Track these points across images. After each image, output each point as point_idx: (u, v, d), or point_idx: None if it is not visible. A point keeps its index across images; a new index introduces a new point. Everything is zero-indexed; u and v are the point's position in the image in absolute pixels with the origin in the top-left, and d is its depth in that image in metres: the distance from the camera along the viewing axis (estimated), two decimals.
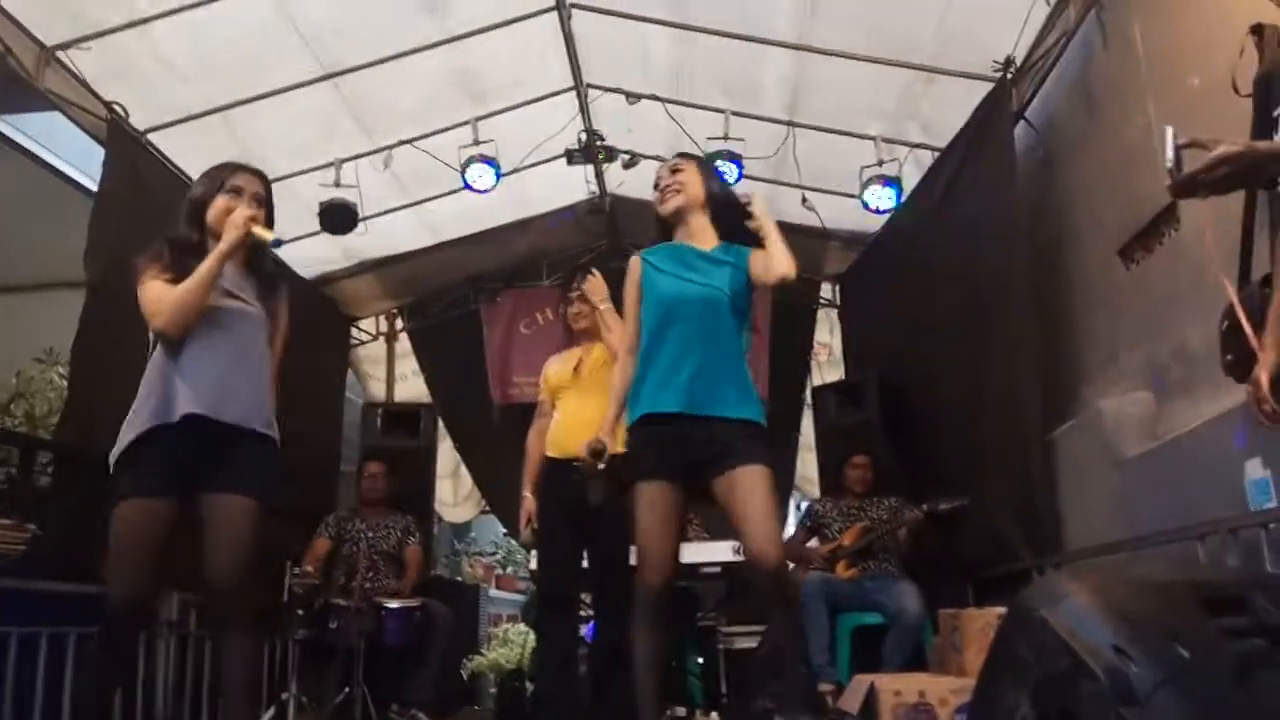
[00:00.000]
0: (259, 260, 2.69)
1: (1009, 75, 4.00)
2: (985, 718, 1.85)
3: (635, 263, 2.71)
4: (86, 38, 3.72)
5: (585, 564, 3.57)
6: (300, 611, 4.14)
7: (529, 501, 3.62)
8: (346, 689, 4.24)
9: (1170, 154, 1.63)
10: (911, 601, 4.20)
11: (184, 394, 2.48)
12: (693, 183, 2.66)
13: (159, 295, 2.48)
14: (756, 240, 2.61)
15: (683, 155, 2.82)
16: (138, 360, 3.74)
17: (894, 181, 4.64)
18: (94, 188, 4.33)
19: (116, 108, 3.98)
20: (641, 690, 2.45)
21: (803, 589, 4.38)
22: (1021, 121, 4.11)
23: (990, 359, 4.05)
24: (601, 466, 2.67)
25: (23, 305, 6.62)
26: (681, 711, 4.40)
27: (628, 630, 3.44)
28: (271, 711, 4.04)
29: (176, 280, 2.48)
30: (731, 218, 2.65)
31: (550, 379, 3.67)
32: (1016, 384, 3.82)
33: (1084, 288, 3.80)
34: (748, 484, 2.41)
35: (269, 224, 2.67)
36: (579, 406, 3.53)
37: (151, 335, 2.54)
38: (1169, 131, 1.63)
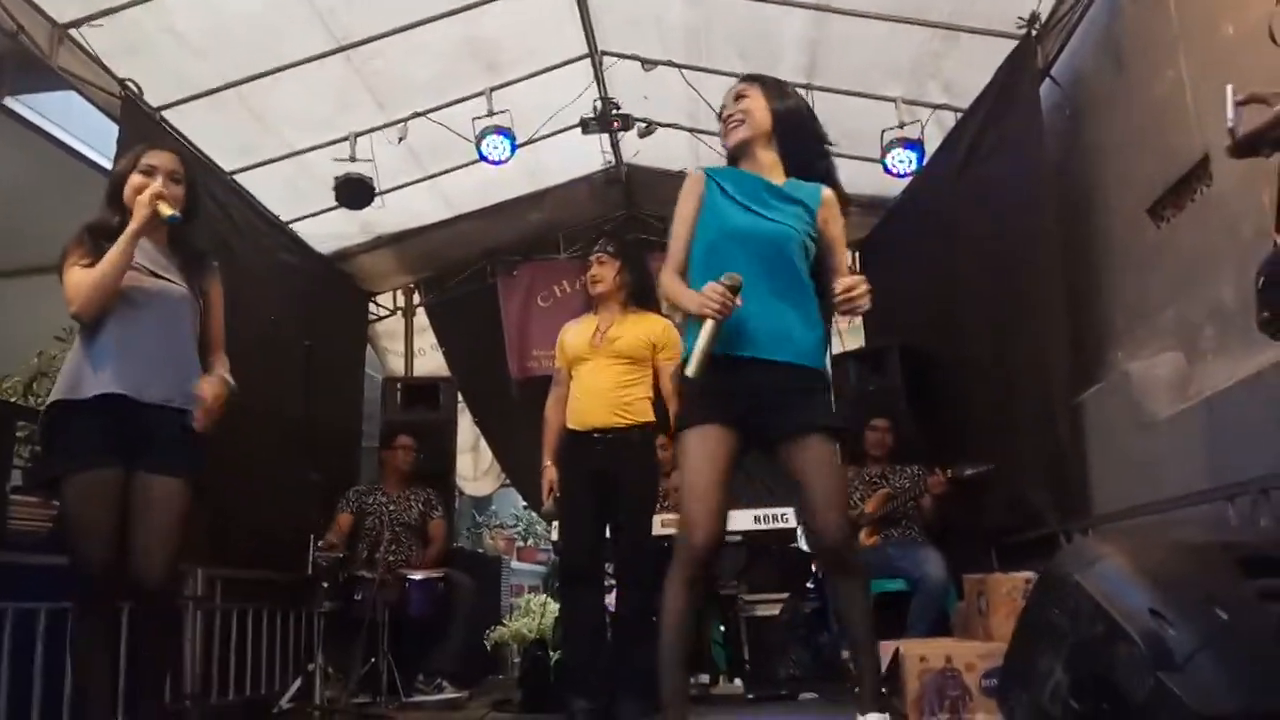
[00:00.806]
0: (183, 238, 2.70)
1: (1033, 32, 3.90)
2: (1017, 683, 1.83)
3: (697, 177, 2.46)
4: (98, 14, 3.69)
5: (607, 534, 3.58)
6: (325, 584, 4.17)
7: (550, 471, 3.60)
8: (372, 659, 4.29)
9: (1230, 112, 1.56)
10: (935, 568, 4.18)
11: (104, 373, 2.48)
12: (758, 109, 2.43)
13: (76, 281, 2.50)
14: (826, 175, 2.45)
15: (749, 78, 2.53)
16: None
17: (916, 144, 4.56)
18: (107, 165, 4.33)
19: (130, 84, 3.95)
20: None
21: None
22: (1047, 79, 4.02)
23: (1016, 322, 3.99)
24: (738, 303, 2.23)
25: (42, 286, 6.63)
26: (705, 679, 4.41)
27: (652, 600, 3.46)
28: (299, 682, 4.09)
29: (95, 264, 2.50)
30: (802, 144, 2.45)
31: (567, 347, 3.64)
32: (1043, 347, 3.77)
33: (1112, 248, 3.73)
34: (817, 454, 2.24)
35: (192, 201, 2.70)
36: (596, 377, 3.51)
37: None
38: (1229, 90, 1.56)
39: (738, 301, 2.20)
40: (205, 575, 3.88)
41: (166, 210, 2.54)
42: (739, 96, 2.47)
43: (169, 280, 2.62)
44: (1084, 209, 3.89)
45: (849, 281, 2.22)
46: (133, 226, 2.50)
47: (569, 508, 3.53)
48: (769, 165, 2.44)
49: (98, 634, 2.51)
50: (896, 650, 3.22)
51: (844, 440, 2.36)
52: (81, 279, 2.49)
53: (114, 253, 2.48)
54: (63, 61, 3.78)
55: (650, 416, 3.52)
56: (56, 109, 5.31)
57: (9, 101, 5.03)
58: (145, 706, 2.58)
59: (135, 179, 2.59)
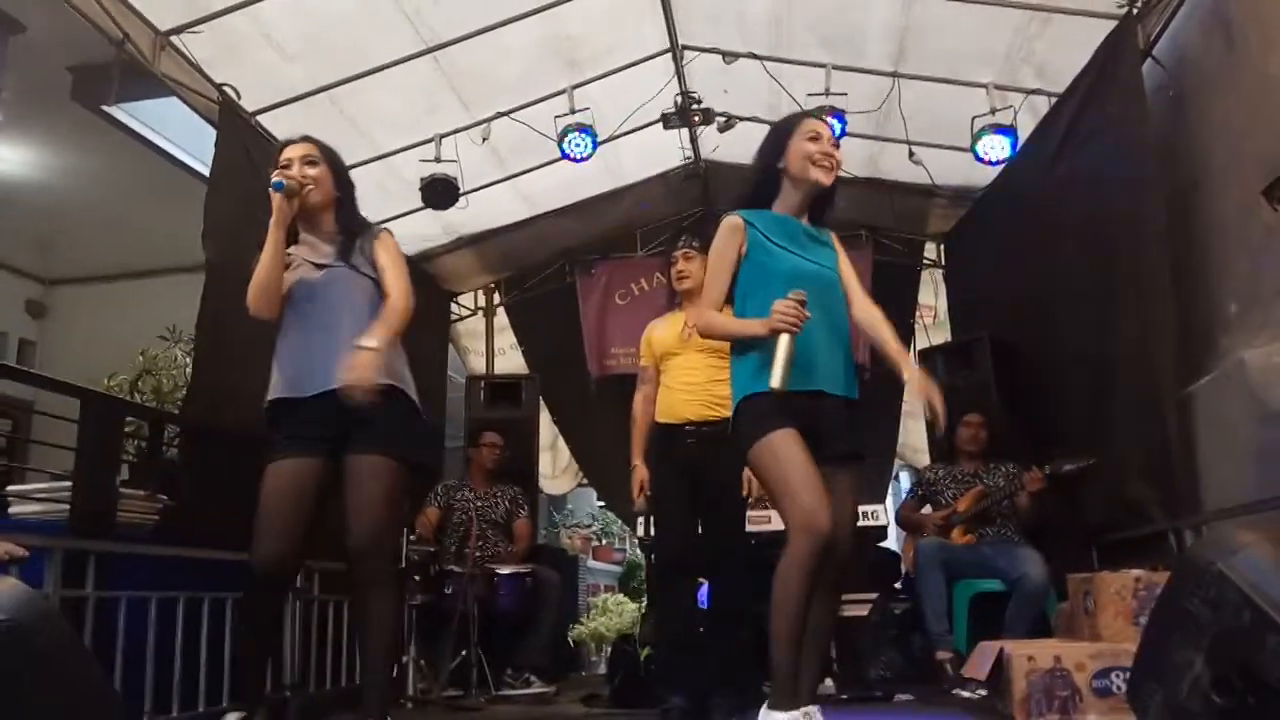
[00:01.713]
0: (345, 220, 2.76)
1: (1134, 10, 3.76)
2: (1151, 678, 1.75)
3: (738, 223, 2.56)
4: (198, 21, 3.81)
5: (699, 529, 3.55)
6: (416, 577, 4.23)
7: (640, 470, 3.60)
8: (463, 652, 4.33)
9: None
10: (1034, 567, 4.06)
11: (292, 375, 2.60)
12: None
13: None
14: (829, 217, 2.66)
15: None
16: (256, 337, 3.84)
17: (1009, 130, 4.43)
18: (205, 171, 4.47)
19: (227, 89, 4.07)
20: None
21: (918, 554, 4.27)
22: (1148, 59, 3.87)
23: (1119, 312, 3.85)
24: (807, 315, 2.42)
25: (144, 289, 6.93)
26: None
27: (745, 594, 3.43)
28: (392, 674, 4.15)
29: None
30: (831, 190, 2.60)
31: (654, 344, 3.63)
32: (1149, 337, 3.62)
33: (1223, 232, 3.56)
34: (849, 481, 2.48)
35: (339, 181, 2.77)
36: (688, 370, 3.49)
37: None
38: None
39: (807, 315, 2.35)
40: (304, 568, 3.95)
41: (275, 178, 2.61)
42: (836, 145, 2.59)
43: (329, 265, 2.68)
44: (1190, 193, 3.73)
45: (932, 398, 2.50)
46: (272, 220, 2.58)
47: (663, 502, 3.51)
48: (801, 207, 2.60)
49: (253, 619, 2.67)
50: (1001, 650, 3.13)
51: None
52: (251, 283, 2.62)
53: (264, 251, 2.59)
54: (163, 68, 3.91)
55: None
56: (155, 116, 5.49)
57: (113, 109, 5.23)
58: (368, 678, 2.62)
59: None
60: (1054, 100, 4.43)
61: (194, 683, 3.24)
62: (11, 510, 3.16)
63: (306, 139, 2.78)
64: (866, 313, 2.63)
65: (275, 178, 2.61)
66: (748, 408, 2.47)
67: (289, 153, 2.72)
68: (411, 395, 2.66)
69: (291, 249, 2.71)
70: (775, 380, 2.32)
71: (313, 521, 2.57)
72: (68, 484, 3.09)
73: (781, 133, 2.62)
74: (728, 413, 3.46)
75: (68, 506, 3.02)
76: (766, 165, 2.62)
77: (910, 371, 2.58)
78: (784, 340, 2.33)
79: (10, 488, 3.46)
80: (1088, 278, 4.12)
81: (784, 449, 2.37)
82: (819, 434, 2.43)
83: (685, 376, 3.48)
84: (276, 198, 2.58)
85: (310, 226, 2.76)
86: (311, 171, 2.69)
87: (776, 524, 3.86)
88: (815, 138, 2.53)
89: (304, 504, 2.53)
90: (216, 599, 3.38)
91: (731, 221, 2.56)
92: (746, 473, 3.37)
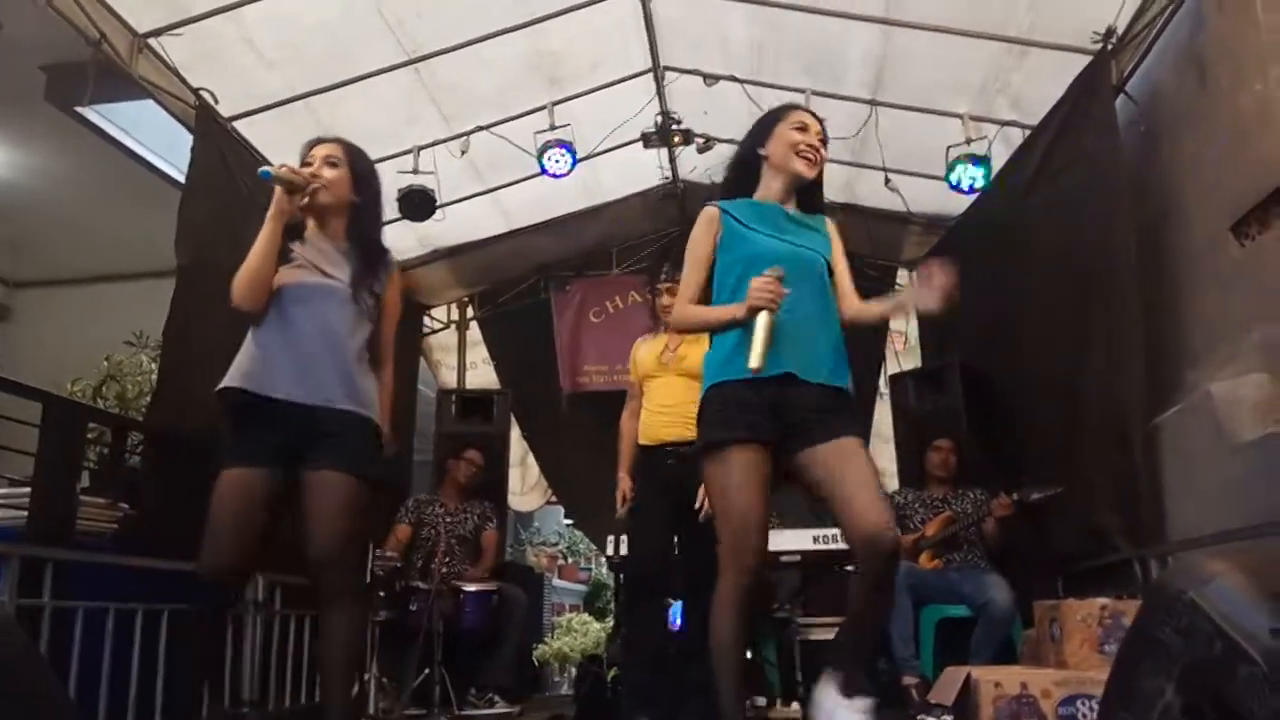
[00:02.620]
0: (358, 231, 2.68)
1: (1109, 46, 3.84)
2: (1123, 706, 1.75)
3: (713, 213, 2.48)
4: (179, 24, 3.77)
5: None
6: (381, 593, 4.17)
7: (625, 482, 3.59)
8: (426, 670, 4.27)
9: None
10: (1000, 593, 4.07)
11: (262, 372, 2.50)
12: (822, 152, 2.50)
13: (237, 274, 2.53)
14: (820, 205, 2.54)
15: (813, 114, 2.56)
16: (226, 343, 3.79)
17: (982, 160, 4.49)
18: (178, 176, 4.41)
19: (205, 94, 4.03)
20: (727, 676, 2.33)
21: None
22: (1122, 95, 3.94)
23: (1087, 341, 3.90)
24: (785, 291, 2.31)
25: (111, 293, 6.82)
26: (762, 701, 4.33)
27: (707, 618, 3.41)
28: (354, 691, 4.07)
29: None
30: (819, 180, 2.51)
31: (639, 363, 3.66)
32: (1117, 367, 3.67)
33: (1192, 267, 3.62)
34: (847, 448, 2.25)
35: (361, 189, 2.69)
36: (666, 394, 3.51)
37: None
38: None
39: (785, 291, 2.25)
40: (266, 581, 3.89)
41: (264, 167, 2.55)
42: (824, 140, 2.50)
43: (335, 281, 2.59)
44: (1160, 226, 3.79)
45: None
46: (270, 210, 2.51)
47: (640, 520, 3.51)
48: (788, 195, 2.50)
49: (205, 629, 2.64)
50: (968, 676, 3.14)
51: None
52: (239, 271, 2.52)
53: (258, 241, 2.50)
54: (140, 70, 3.86)
55: None
56: (129, 119, 5.42)
57: (86, 110, 5.15)
58: (331, 694, 2.54)
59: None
60: (1028, 132, 4.51)
61: (150, 697, 3.16)
62: None
63: (338, 140, 2.72)
64: (855, 311, 2.47)
65: (269, 168, 2.53)
66: (713, 397, 2.37)
67: (316, 151, 2.67)
68: (376, 420, 2.60)
69: (295, 245, 2.62)
70: (753, 360, 2.21)
71: (263, 533, 2.50)
72: (26, 490, 3.02)
73: (768, 120, 2.54)
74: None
75: (25, 513, 2.95)
76: (748, 151, 2.54)
77: (904, 292, 2.49)
78: (762, 318, 2.23)
79: None
80: (1058, 307, 4.18)
81: (733, 471, 2.28)
82: (795, 426, 2.29)
83: (662, 399, 3.50)
84: (277, 190, 2.51)
85: (320, 226, 2.67)
86: (329, 173, 2.62)
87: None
88: (803, 128, 2.46)
89: (253, 515, 2.46)
90: (176, 610, 3.31)
91: (707, 212, 2.50)
92: (701, 491, 3.36)
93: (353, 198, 2.67)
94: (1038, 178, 4.30)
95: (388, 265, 2.71)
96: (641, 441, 3.53)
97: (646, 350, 3.64)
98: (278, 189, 2.51)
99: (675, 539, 3.49)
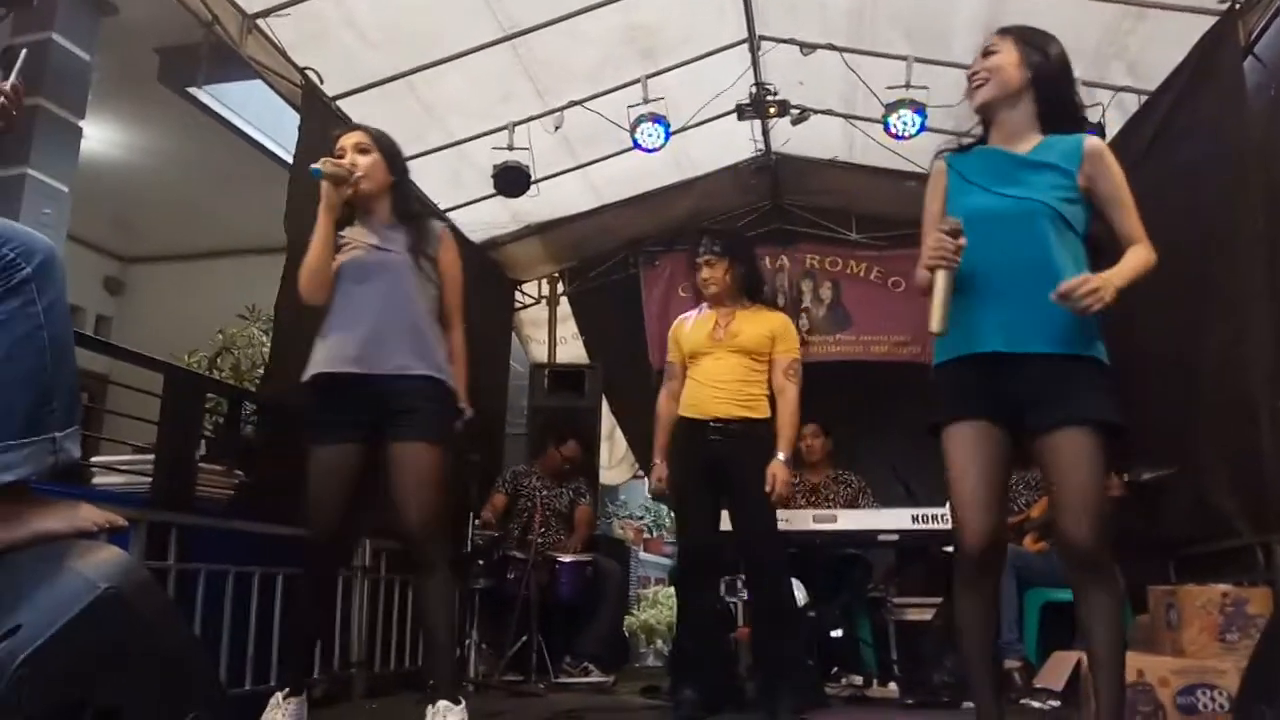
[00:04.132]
0: (402, 206, 2.78)
1: (1237, 5, 3.62)
2: (1262, 699, 1.69)
3: (939, 168, 2.28)
4: (286, 4, 3.86)
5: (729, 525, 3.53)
6: (480, 562, 4.26)
7: (661, 468, 3.58)
8: (523, 638, 4.36)
9: None
10: None
11: (334, 351, 2.61)
12: (1008, 65, 2.18)
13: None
14: (1072, 122, 2.21)
15: (1003, 31, 2.28)
16: None
17: (1096, 128, 4.29)
18: (285, 155, 4.53)
19: (310, 73, 4.12)
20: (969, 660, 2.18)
21: None
22: (1250, 57, 3.72)
23: (1207, 317, 3.72)
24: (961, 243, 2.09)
25: (223, 269, 7.11)
26: (859, 680, 4.30)
27: (784, 587, 3.39)
28: (454, 654, 4.18)
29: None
30: (1062, 99, 2.22)
31: (683, 341, 3.60)
32: (1242, 344, 3.49)
33: None
34: (1070, 449, 2.01)
35: (393, 169, 2.78)
36: (718, 369, 3.47)
37: None
38: None
39: (961, 241, 2.07)
40: (372, 547, 4.00)
41: (314, 165, 2.63)
42: (987, 52, 2.23)
43: (388, 250, 2.70)
44: None
45: (1067, 286, 1.98)
46: (320, 206, 2.62)
47: (686, 500, 3.50)
48: (1020, 128, 2.21)
49: (310, 597, 2.76)
50: (1079, 661, 3.05)
51: (1120, 435, 2.08)
52: (301, 269, 2.66)
53: (314, 236, 2.62)
54: (249, 51, 3.97)
55: (769, 414, 3.48)
56: (238, 99, 5.60)
57: (197, 91, 5.34)
58: (434, 659, 2.69)
59: None
60: (1143, 98, 4.29)
61: (267, 656, 3.29)
62: (95, 481, 3.24)
63: (360, 127, 2.83)
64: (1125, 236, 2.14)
65: (318, 165, 2.62)
66: (934, 382, 2.21)
67: (343, 141, 2.76)
68: (450, 384, 2.67)
69: (346, 231, 2.74)
70: (933, 324, 2.07)
71: (359, 501, 2.63)
72: (150, 457, 3.16)
73: None
74: (756, 413, 3.46)
75: (149, 479, 3.09)
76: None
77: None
78: (939, 278, 2.07)
79: (94, 459, 3.55)
80: (1175, 282, 3.95)
81: (951, 452, 2.13)
82: (1020, 404, 2.07)
83: (716, 374, 3.46)
84: (325, 185, 2.62)
85: (366, 213, 2.79)
86: (363, 160, 2.71)
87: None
88: (977, 61, 2.25)
89: (342, 491, 2.59)
90: (290, 574, 3.43)
91: (935, 167, 2.31)
92: (770, 469, 3.35)
93: (390, 178, 2.78)
94: (1156, 145, 4.10)
95: (435, 229, 2.81)
96: (686, 414, 3.48)
97: (694, 327, 3.58)
98: (325, 185, 2.61)
99: (722, 514, 3.49)
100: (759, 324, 3.51)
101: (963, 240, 2.08)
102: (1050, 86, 2.22)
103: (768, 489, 3.33)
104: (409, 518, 2.53)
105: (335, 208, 2.65)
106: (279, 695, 2.57)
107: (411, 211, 2.82)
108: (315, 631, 2.93)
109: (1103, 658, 2.05)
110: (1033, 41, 2.25)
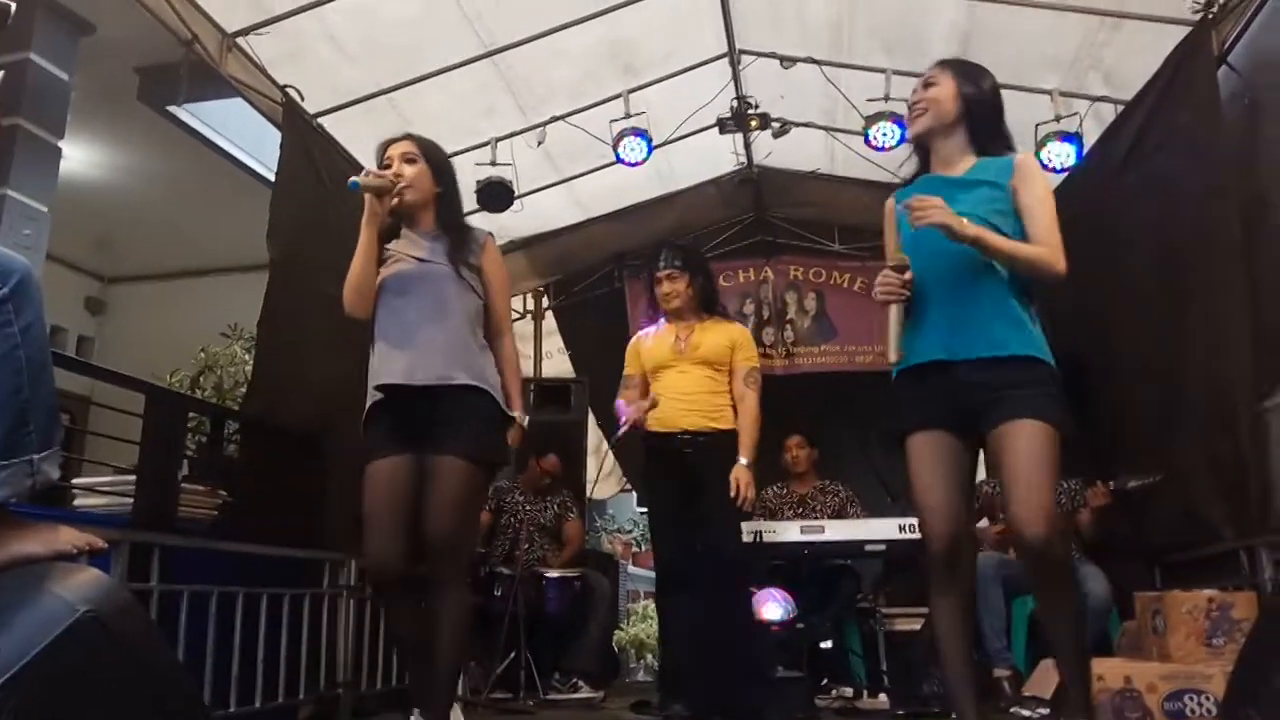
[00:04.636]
0: (446, 217, 2.74)
1: (1210, 15, 3.67)
2: (1247, 703, 1.69)
3: (889, 206, 2.41)
4: (265, 22, 3.86)
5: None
6: (466, 579, 4.22)
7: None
8: (512, 654, 4.33)
9: None
10: (1096, 584, 3.97)
11: (380, 365, 2.59)
12: (945, 97, 2.33)
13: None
14: (998, 145, 2.35)
15: (941, 64, 2.43)
16: (316, 335, 3.90)
17: (1074, 137, 4.34)
18: (266, 173, 4.51)
19: (291, 91, 4.11)
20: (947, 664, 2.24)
21: (976, 569, 4.19)
22: (1224, 66, 3.77)
23: (1188, 324, 3.74)
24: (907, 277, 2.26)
25: (205, 287, 7.07)
26: (849, 691, 4.29)
27: (742, 603, 3.39)
28: (459, 676, 4.15)
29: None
30: (987, 125, 2.35)
31: (645, 356, 3.63)
32: (1221, 351, 3.51)
33: None
34: (1020, 440, 2.09)
35: (440, 180, 2.75)
36: (683, 382, 3.50)
37: None
38: None
39: (907, 276, 2.23)
40: (357, 566, 3.97)
41: (352, 178, 2.61)
42: (928, 84, 2.38)
43: (429, 261, 2.66)
44: (1266, 202, 3.62)
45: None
46: (364, 218, 2.59)
47: (659, 516, 3.52)
48: (955, 153, 2.37)
49: (396, 620, 2.73)
50: None
51: (1064, 436, 2.15)
52: (346, 281, 2.63)
53: (357, 250, 2.59)
54: (230, 69, 3.96)
55: (734, 425, 3.50)
56: (218, 117, 5.59)
57: (177, 110, 5.32)
58: (438, 676, 2.60)
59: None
60: (1121, 108, 4.34)
61: (252, 678, 3.26)
62: (77, 503, 3.21)
63: (409, 136, 2.77)
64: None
65: (360, 177, 2.59)
66: (893, 394, 2.33)
67: (391, 150, 2.73)
68: (496, 396, 2.64)
69: (391, 244, 2.70)
70: (890, 354, 2.25)
71: (416, 517, 2.55)
72: (131, 478, 3.13)
73: None
74: (724, 424, 3.51)
75: (131, 500, 3.05)
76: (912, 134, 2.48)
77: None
78: (891, 311, 2.25)
79: (75, 481, 3.51)
80: (1155, 289, 4.02)
81: (912, 462, 2.24)
82: (972, 408, 2.18)
83: (681, 387, 3.49)
84: (367, 197, 2.58)
85: (411, 224, 2.75)
86: (409, 170, 2.68)
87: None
88: (914, 95, 2.41)
89: (402, 502, 2.52)
90: (274, 594, 3.41)
91: (886, 207, 2.43)
92: (733, 474, 3.37)
93: (436, 189, 2.75)
94: (1133, 154, 4.14)
95: (478, 237, 2.78)
96: (654, 428, 3.49)
97: (655, 342, 3.61)
98: (368, 197, 2.57)
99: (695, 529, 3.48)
100: (718, 335, 3.56)
101: (908, 275, 2.23)
102: (982, 116, 2.36)
103: (733, 494, 3.35)
104: (431, 532, 2.50)
105: (378, 219, 2.61)
106: (415, 713, 2.55)
107: (456, 223, 2.78)
108: (424, 655, 2.70)
109: (1066, 654, 2.13)
110: (968, 74, 2.39)
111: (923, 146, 2.43)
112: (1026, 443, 2.09)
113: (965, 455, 2.24)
